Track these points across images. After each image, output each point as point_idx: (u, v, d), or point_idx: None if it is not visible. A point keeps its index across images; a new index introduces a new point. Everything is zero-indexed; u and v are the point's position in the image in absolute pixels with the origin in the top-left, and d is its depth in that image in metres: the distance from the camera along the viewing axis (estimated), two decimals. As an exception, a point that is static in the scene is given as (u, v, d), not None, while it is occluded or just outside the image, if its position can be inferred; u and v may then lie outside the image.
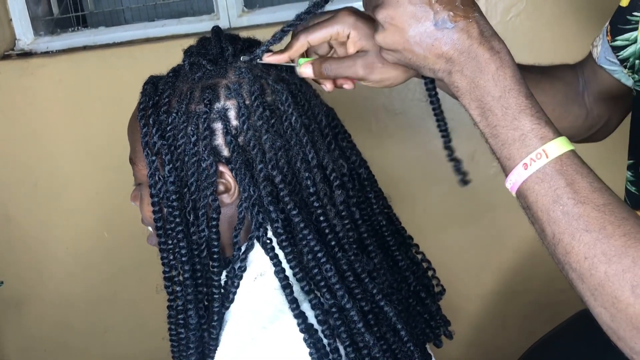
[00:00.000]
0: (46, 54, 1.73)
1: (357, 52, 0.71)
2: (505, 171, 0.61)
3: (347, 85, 0.75)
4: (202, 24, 1.68)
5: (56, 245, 1.84)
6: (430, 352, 0.84)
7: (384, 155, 1.65)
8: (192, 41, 0.79)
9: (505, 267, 1.76)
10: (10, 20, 1.76)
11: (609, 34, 0.85)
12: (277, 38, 0.71)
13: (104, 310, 1.89)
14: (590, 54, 0.92)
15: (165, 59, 0.80)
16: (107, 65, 1.68)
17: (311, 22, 0.72)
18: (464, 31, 0.59)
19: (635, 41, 0.81)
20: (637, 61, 0.82)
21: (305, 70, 0.72)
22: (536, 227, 0.60)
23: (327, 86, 0.75)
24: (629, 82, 0.86)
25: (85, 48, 1.72)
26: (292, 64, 0.73)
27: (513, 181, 0.60)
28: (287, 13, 1.67)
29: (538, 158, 0.58)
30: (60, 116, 1.72)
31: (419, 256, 0.84)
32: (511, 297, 1.78)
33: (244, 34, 0.78)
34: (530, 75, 0.88)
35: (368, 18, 0.70)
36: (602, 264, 0.55)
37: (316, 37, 0.71)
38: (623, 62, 0.84)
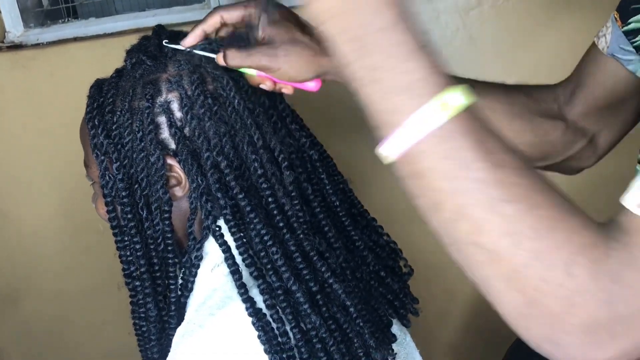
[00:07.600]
0: (37, 45, 1.72)
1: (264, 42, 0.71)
2: (385, 129, 0.46)
3: (286, 90, 0.75)
4: (193, 13, 1.67)
5: (52, 240, 1.84)
6: (404, 333, 0.84)
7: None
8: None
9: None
10: (0, 12, 1.74)
11: (618, 20, 0.78)
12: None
13: (101, 304, 1.88)
14: (589, 52, 0.83)
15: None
16: (99, 56, 1.66)
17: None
18: None
19: None
20: None
21: (219, 58, 0.72)
22: (424, 201, 0.47)
23: (267, 84, 0.73)
24: None
25: (75, 39, 1.71)
26: (212, 55, 0.73)
27: (397, 143, 0.45)
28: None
29: (438, 111, 0.44)
30: (53, 108, 1.71)
31: (385, 237, 0.84)
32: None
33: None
34: (480, 85, 0.81)
35: (290, 13, 0.73)
36: (528, 241, 0.44)
37: (231, 13, 0.73)
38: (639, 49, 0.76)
